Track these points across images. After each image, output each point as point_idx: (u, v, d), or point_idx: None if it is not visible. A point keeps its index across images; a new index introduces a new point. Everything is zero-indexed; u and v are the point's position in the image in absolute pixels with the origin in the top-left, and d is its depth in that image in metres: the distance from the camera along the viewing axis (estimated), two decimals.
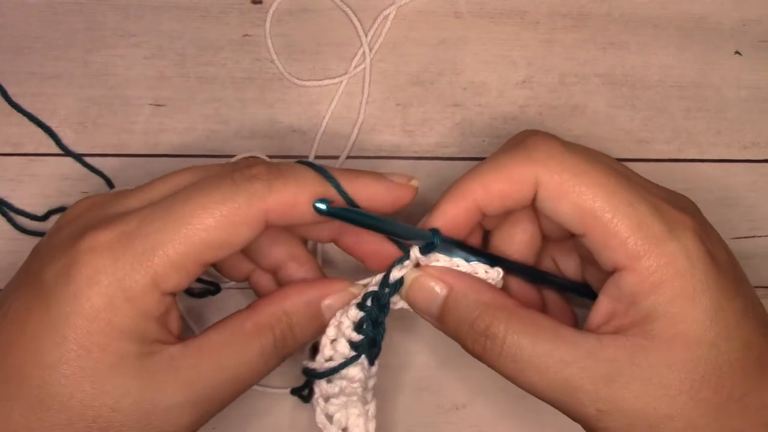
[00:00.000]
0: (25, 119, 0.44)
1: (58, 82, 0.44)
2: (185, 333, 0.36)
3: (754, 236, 0.45)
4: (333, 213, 0.33)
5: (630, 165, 0.45)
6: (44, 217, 0.43)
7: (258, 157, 0.36)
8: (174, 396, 0.32)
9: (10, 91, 0.44)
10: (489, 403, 0.43)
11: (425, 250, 0.35)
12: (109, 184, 0.43)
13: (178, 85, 0.44)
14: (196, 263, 0.32)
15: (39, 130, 0.44)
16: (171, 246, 0.31)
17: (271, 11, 0.45)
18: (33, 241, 0.43)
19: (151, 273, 0.31)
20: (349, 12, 0.45)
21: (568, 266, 0.39)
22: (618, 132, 0.45)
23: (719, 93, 0.46)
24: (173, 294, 0.33)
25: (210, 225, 0.31)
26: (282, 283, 0.37)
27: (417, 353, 0.44)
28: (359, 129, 0.44)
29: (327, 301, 0.35)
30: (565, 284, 0.38)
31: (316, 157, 0.44)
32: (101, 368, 0.31)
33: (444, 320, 0.35)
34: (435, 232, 0.35)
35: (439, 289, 0.35)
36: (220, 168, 0.35)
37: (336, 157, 0.44)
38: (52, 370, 0.30)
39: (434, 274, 0.35)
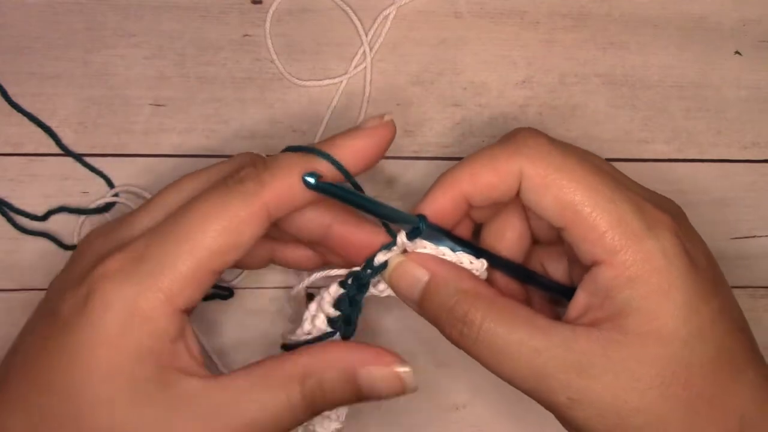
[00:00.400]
0: (25, 119, 0.44)
1: (58, 82, 0.44)
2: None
3: (754, 236, 0.45)
4: (322, 187, 0.34)
5: (630, 165, 0.45)
6: (44, 217, 0.43)
7: (251, 153, 0.37)
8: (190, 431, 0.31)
9: (10, 91, 0.44)
10: (489, 403, 0.43)
11: (411, 235, 0.35)
12: (109, 183, 0.43)
13: (178, 85, 0.44)
14: (207, 273, 0.32)
15: (39, 130, 0.44)
16: (179, 261, 0.31)
17: (271, 11, 0.45)
18: (33, 241, 0.43)
19: (163, 290, 0.31)
20: (350, 11, 0.45)
21: (557, 271, 0.39)
22: (618, 132, 0.45)
23: (719, 93, 0.46)
24: (188, 311, 0.32)
25: (212, 233, 0.32)
26: (331, 245, 0.37)
27: (417, 353, 0.44)
28: None
29: (365, 372, 0.33)
30: (549, 284, 0.39)
31: None
32: (116, 394, 0.30)
33: (424, 305, 0.35)
34: (422, 217, 0.36)
35: (421, 274, 0.35)
36: (215, 173, 0.35)
37: None
38: (66, 397, 0.30)
39: (417, 260, 0.35)
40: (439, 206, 0.36)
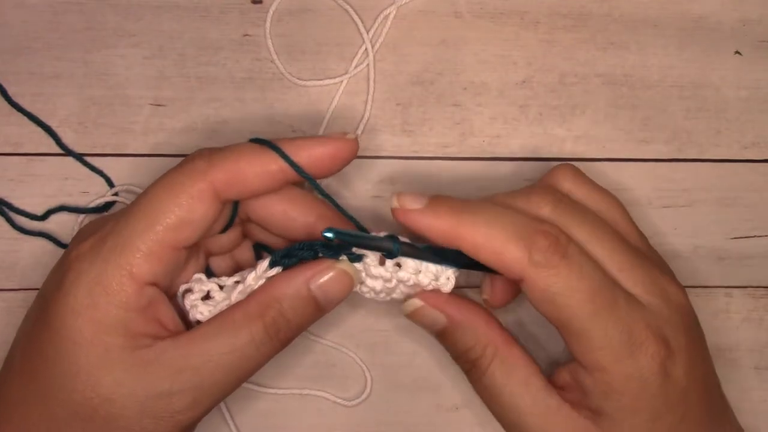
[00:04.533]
0: (25, 119, 0.44)
1: (58, 82, 0.44)
2: None
3: (754, 236, 0.45)
4: (337, 236, 0.35)
5: (630, 165, 0.45)
6: (44, 217, 0.43)
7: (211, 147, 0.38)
8: (164, 384, 0.34)
9: (10, 91, 0.44)
10: None
11: (388, 257, 0.36)
12: (109, 183, 0.43)
13: (178, 85, 0.44)
14: (164, 247, 0.34)
15: (39, 130, 0.44)
16: (137, 238, 0.34)
17: (271, 11, 0.45)
18: (33, 241, 0.43)
19: (124, 266, 0.34)
20: (350, 10, 0.45)
21: None
22: (618, 132, 0.45)
23: (719, 93, 0.46)
24: (155, 285, 0.35)
25: (165, 210, 0.34)
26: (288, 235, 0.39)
27: (417, 353, 0.44)
28: (364, 127, 0.44)
29: (315, 283, 0.36)
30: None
31: None
32: (92, 361, 0.33)
33: (442, 340, 0.39)
34: (394, 239, 0.36)
35: (439, 318, 0.38)
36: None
37: None
38: (53, 367, 0.33)
39: (434, 304, 0.38)
40: (437, 232, 0.36)
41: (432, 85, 0.45)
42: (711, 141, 0.45)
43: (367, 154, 0.44)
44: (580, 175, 0.39)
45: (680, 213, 0.45)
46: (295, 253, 0.36)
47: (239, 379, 0.35)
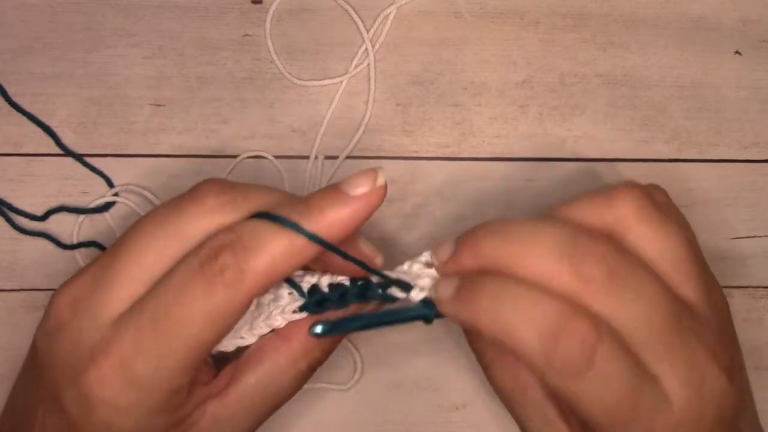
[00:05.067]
0: (25, 119, 0.44)
1: (58, 82, 0.44)
2: None
3: (754, 236, 0.45)
4: (332, 331, 0.34)
5: (630, 165, 0.45)
6: (44, 217, 0.43)
7: (214, 184, 0.33)
8: None
9: (10, 91, 0.44)
10: (489, 403, 0.43)
11: (427, 322, 0.34)
12: (109, 183, 0.43)
13: (178, 85, 0.44)
14: (198, 360, 0.32)
15: (39, 130, 0.44)
16: (169, 360, 0.31)
17: (271, 11, 0.45)
18: (32, 241, 0.43)
19: (162, 389, 0.31)
20: (350, 10, 0.45)
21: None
22: (618, 132, 0.45)
23: (719, 93, 0.46)
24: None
25: (199, 330, 0.31)
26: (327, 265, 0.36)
27: (417, 353, 0.44)
28: (365, 126, 0.44)
29: None
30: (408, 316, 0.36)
31: (316, 158, 0.44)
32: None
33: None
34: (428, 304, 0.34)
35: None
36: (186, 225, 0.32)
37: (337, 158, 0.44)
38: None
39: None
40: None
41: (432, 85, 0.45)
42: (711, 141, 0.45)
43: (367, 154, 0.44)
44: (647, 206, 0.33)
45: None
46: (326, 305, 0.34)
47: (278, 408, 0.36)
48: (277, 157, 0.44)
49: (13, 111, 0.44)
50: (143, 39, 0.44)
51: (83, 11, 0.44)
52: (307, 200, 0.32)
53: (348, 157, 0.44)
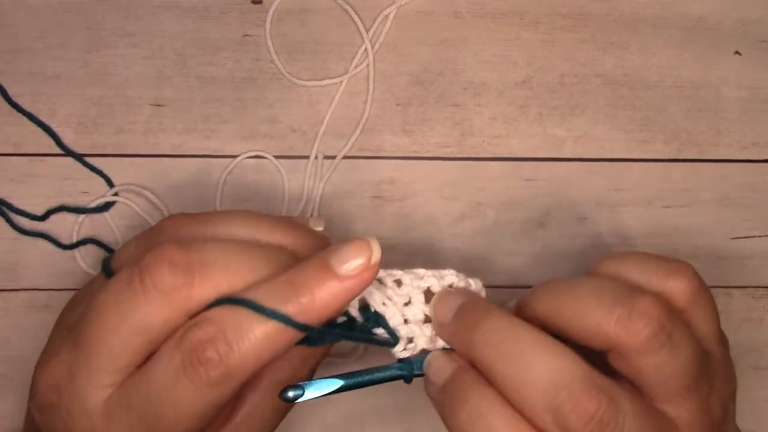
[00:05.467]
0: (25, 119, 0.44)
1: (58, 82, 0.44)
2: None
3: (754, 236, 0.45)
4: (304, 396, 0.32)
5: (630, 165, 0.45)
6: (44, 217, 0.43)
7: (166, 253, 0.29)
8: None
9: (10, 91, 0.44)
10: None
11: (407, 380, 0.34)
12: (109, 183, 0.43)
13: (178, 85, 0.44)
14: None
15: (39, 130, 0.44)
16: None
17: (271, 11, 0.45)
18: (32, 241, 0.43)
19: None
20: (350, 10, 0.45)
21: None
22: (618, 132, 0.45)
23: (719, 93, 0.46)
24: None
25: (192, 424, 0.30)
26: None
27: None
28: (363, 126, 0.44)
29: None
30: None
31: (316, 158, 0.44)
32: None
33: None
34: (406, 366, 0.33)
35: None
36: (170, 324, 0.30)
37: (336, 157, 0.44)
38: None
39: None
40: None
41: (432, 85, 0.45)
42: (711, 141, 0.45)
43: (367, 155, 0.44)
44: (704, 290, 0.33)
45: (680, 213, 0.45)
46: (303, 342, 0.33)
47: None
48: (277, 157, 0.44)
49: (13, 111, 0.44)
50: (143, 39, 0.44)
51: (83, 11, 0.44)
52: (295, 278, 0.29)
53: (347, 157, 0.44)
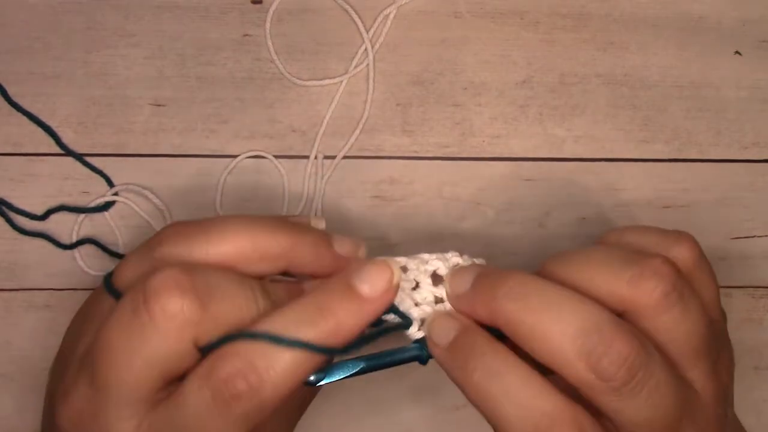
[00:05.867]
0: (25, 119, 0.44)
1: (58, 82, 0.44)
2: None
3: (753, 236, 0.45)
4: (324, 379, 0.32)
5: (630, 165, 0.45)
6: (44, 217, 0.43)
7: (170, 277, 0.29)
8: None
9: (10, 91, 0.44)
10: None
11: (422, 362, 0.34)
12: (109, 183, 0.43)
13: (178, 85, 0.44)
14: None
15: (39, 129, 0.44)
16: None
17: (271, 11, 0.45)
18: (33, 241, 0.43)
19: None
20: (350, 10, 0.45)
21: None
22: (618, 132, 0.45)
23: (719, 93, 0.46)
24: None
25: None
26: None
27: None
28: (363, 126, 0.44)
29: None
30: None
31: (316, 158, 0.44)
32: None
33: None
34: (420, 346, 0.34)
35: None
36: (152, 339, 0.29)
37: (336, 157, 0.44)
38: None
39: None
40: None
41: (432, 85, 0.45)
42: (711, 141, 0.45)
43: (367, 154, 0.44)
44: (704, 264, 0.34)
45: (680, 213, 0.45)
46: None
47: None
48: (277, 157, 0.44)
49: (13, 111, 0.44)
50: (143, 39, 0.44)
51: (83, 11, 0.44)
52: (320, 302, 0.30)
53: (347, 157, 0.44)
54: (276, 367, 0.29)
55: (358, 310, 0.30)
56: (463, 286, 0.33)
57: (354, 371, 0.32)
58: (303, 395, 0.34)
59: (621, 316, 0.31)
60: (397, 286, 0.31)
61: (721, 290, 0.44)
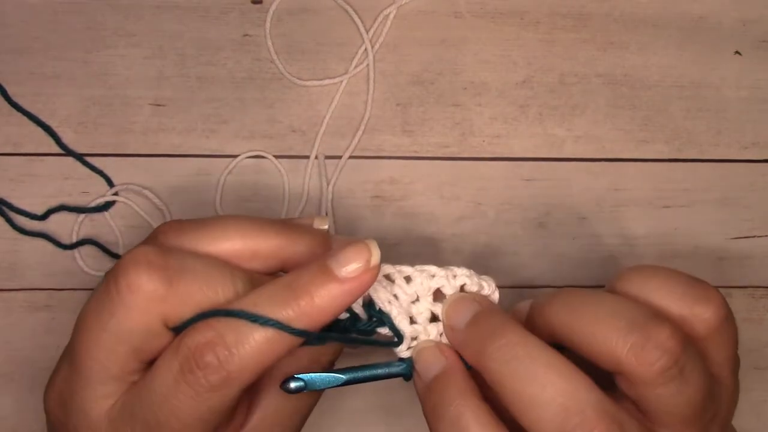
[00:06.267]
0: (25, 119, 0.44)
1: (58, 82, 0.44)
2: None
3: (753, 236, 0.45)
4: (306, 389, 0.32)
5: (630, 165, 0.45)
6: (44, 217, 0.43)
7: (143, 256, 0.29)
8: None
9: (10, 91, 0.44)
10: None
11: (406, 378, 0.34)
12: (109, 183, 0.43)
13: (178, 85, 0.44)
14: None
15: (39, 129, 0.44)
16: None
17: (271, 11, 0.45)
18: (33, 241, 0.43)
19: None
20: (350, 10, 0.45)
21: None
22: (618, 132, 0.45)
23: (719, 93, 0.46)
24: None
25: (196, 430, 0.30)
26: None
27: None
28: (365, 126, 0.44)
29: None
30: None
31: (316, 158, 0.44)
32: None
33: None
34: (408, 363, 0.33)
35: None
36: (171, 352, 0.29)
37: (339, 157, 0.44)
38: None
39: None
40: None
41: (432, 85, 0.45)
42: (711, 141, 0.45)
43: (367, 154, 0.44)
44: (730, 319, 0.32)
45: (680, 213, 0.45)
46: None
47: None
48: (277, 157, 0.44)
49: (13, 111, 0.44)
50: (143, 39, 0.44)
51: (83, 11, 0.44)
52: (294, 282, 0.29)
53: (351, 157, 0.44)
54: (245, 343, 0.28)
55: (333, 291, 0.29)
56: (459, 323, 0.32)
57: (336, 384, 0.32)
58: (294, 409, 0.33)
59: (615, 374, 0.31)
60: (376, 269, 0.29)
61: (721, 290, 0.44)
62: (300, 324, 0.29)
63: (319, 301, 0.29)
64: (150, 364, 0.30)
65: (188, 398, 0.28)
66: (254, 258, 0.32)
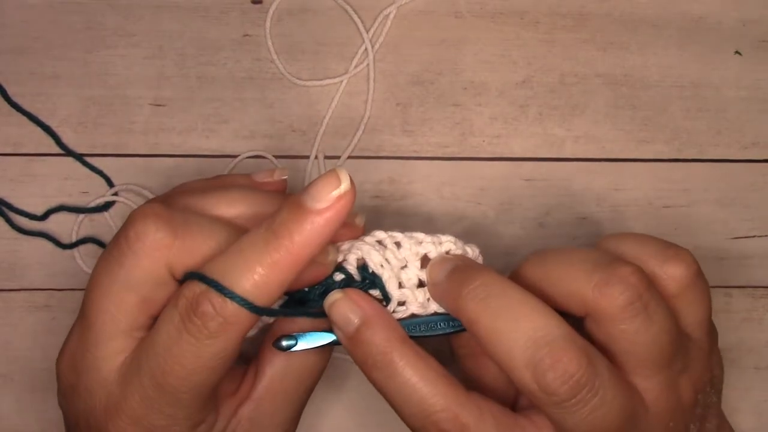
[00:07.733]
0: (25, 119, 0.44)
1: (58, 82, 0.44)
2: None
3: (753, 236, 0.45)
4: (298, 346, 0.33)
5: (630, 165, 0.45)
6: (44, 217, 0.43)
7: (149, 213, 0.31)
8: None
9: (10, 91, 0.44)
10: None
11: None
12: (109, 183, 0.43)
13: (178, 85, 0.44)
14: (210, 395, 0.32)
15: (39, 130, 0.44)
16: (181, 409, 0.31)
17: (271, 11, 0.45)
18: (33, 241, 0.43)
19: (184, 427, 0.32)
20: (350, 10, 0.45)
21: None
22: (618, 132, 0.45)
23: (719, 93, 0.46)
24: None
25: (201, 378, 0.31)
26: None
27: None
28: (365, 126, 0.44)
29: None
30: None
31: (317, 158, 0.44)
32: None
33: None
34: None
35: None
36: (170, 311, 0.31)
37: (338, 157, 0.44)
38: None
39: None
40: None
41: (432, 85, 0.45)
42: (711, 141, 0.45)
43: (367, 154, 0.44)
44: (700, 277, 0.34)
45: (680, 213, 0.45)
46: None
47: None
48: (277, 157, 0.44)
49: (13, 111, 0.44)
50: (143, 39, 0.44)
51: (83, 11, 0.44)
52: (272, 224, 0.30)
53: (350, 157, 0.44)
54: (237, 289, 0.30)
55: (310, 225, 0.30)
56: (439, 277, 0.34)
57: (327, 341, 0.33)
58: (298, 378, 0.34)
59: (584, 318, 0.32)
60: (349, 194, 0.30)
61: (721, 290, 0.45)
62: (285, 263, 0.30)
63: (298, 237, 0.30)
64: (155, 320, 0.31)
65: (191, 346, 0.30)
66: (257, 220, 0.33)
